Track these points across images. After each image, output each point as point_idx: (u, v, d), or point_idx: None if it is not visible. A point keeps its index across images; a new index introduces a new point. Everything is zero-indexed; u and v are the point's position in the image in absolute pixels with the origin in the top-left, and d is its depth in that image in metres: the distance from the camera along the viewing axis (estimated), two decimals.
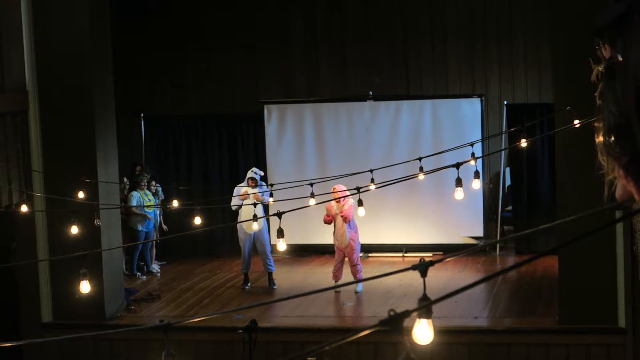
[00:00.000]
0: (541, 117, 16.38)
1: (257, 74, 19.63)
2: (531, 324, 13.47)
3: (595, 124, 2.03)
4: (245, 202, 15.18)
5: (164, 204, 17.47)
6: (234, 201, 15.78)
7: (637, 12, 1.88)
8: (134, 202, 16.93)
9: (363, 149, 18.34)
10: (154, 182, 17.85)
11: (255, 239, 16.02)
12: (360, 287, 15.49)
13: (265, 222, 15.91)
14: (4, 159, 13.40)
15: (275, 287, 16.08)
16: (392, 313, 2.34)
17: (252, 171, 16.09)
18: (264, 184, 16.27)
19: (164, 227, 17.93)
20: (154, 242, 17.76)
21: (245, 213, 15.53)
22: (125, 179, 17.22)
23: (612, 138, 1.91)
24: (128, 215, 17.01)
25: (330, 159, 18.58)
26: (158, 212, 17.69)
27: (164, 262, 18.24)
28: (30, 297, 14.40)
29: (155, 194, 17.84)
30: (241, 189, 15.86)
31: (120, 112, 15.61)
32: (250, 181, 15.87)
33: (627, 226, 11.58)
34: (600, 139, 2.00)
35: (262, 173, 16.31)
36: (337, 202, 14.99)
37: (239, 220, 15.83)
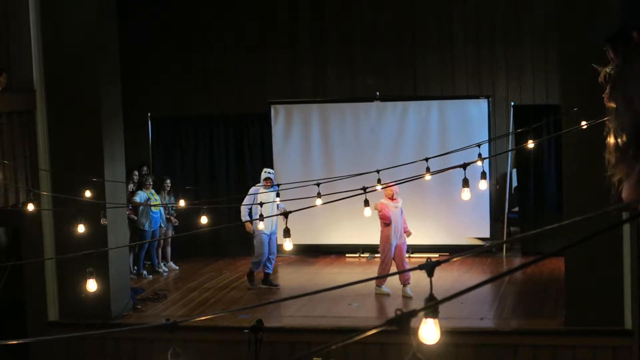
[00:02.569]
0: (548, 119, 16.36)
1: (264, 74, 19.63)
2: (537, 326, 13.45)
3: (608, 124, 2.04)
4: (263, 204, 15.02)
5: (173, 203, 17.50)
6: (245, 210, 15.70)
7: (634, 29, 1.91)
8: (138, 201, 16.93)
9: (369, 150, 18.34)
10: (168, 181, 17.85)
11: (271, 239, 15.99)
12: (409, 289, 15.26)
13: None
14: (11, 157, 13.42)
15: (278, 286, 16.05)
16: (399, 312, 2.34)
17: (266, 172, 16.02)
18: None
19: (173, 220, 17.91)
20: (162, 241, 17.78)
21: (266, 212, 15.37)
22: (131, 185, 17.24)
23: (625, 138, 1.92)
24: (136, 216, 17.03)
25: (336, 159, 18.58)
26: (164, 210, 17.70)
27: (171, 262, 18.25)
28: (37, 296, 14.43)
29: (169, 193, 17.87)
30: (259, 188, 15.71)
31: (127, 111, 15.61)
32: (266, 182, 15.77)
33: (634, 228, 11.59)
34: (611, 139, 2.01)
35: (272, 171, 16.24)
36: (392, 200, 14.97)
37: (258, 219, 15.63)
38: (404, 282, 15.08)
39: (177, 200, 17.53)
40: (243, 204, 15.84)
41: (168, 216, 17.82)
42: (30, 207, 12.96)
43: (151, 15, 19.79)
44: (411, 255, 17.98)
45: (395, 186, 14.38)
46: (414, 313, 2.38)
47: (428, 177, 10.79)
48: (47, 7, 14.10)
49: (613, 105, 2.02)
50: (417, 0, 19.20)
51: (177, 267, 18.05)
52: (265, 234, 15.94)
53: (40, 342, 13.70)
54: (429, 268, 2.85)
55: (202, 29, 19.71)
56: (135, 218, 17.02)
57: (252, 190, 15.95)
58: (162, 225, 17.62)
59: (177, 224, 17.88)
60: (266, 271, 16.16)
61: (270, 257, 16.10)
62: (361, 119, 18.69)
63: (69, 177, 13.59)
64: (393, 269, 15.28)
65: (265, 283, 16.16)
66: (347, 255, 18.66)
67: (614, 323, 12.82)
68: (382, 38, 19.29)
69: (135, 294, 15.48)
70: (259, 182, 16.96)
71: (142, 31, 19.59)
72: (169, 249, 18.14)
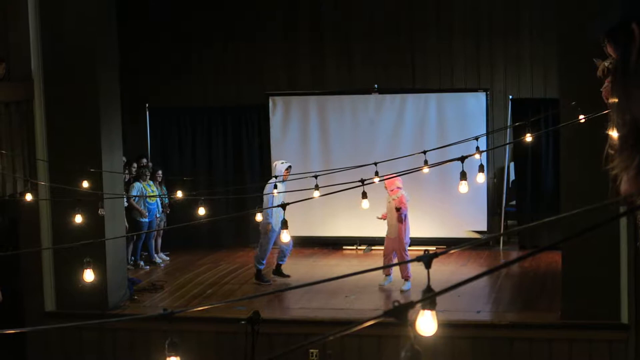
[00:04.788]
0: (546, 112, 16.37)
1: (263, 65, 19.60)
2: (534, 319, 13.48)
3: (611, 116, 2.05)
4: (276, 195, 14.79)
5: (168, 194, 17.54)
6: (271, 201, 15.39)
7: (634, 20, 1.92)
8: (134, 193, 16.93)
9: (367, 142, 18.34)
10: (159, 172, 17.88)
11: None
12: (407, 285, 15.18)
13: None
14: (8, 147, 13.42)
15: (287, 276, 15.95)
16: (396, 304, 2.35)
17: (281, 162, 15.71)
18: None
19: (166, 210, 17.98)
20: (158, 232, 17.79)
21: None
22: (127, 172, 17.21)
23: (624, 132, 1.93)
24: (131, 207, 17.00)
25: (334, 151, 18.58)
26: (158, 201, 17.71)
27: (167, 252, 18.25)
28: (34, 286, 14.43)
29: (161, 184, 17.89)
30: (279, 185, 15.31)
31: (125, 103, 15.61)
32: (286, 172, 15.41)
33: (631, 221, 11.58)
34: (612, 132, 2.02)
35: (288, 164, 15.85)
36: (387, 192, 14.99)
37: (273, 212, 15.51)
38: (387, 274, 15.34)
39: (169, 191, 17.56)
40: (266, 207, 15.46)
41: (163, 209, 17.88)
42: (28, 197, 12.95)
43: (150, 6, 19.76)
44: (408, 248, 17.99)
45: (389, 179, 14.36)
46: (411, 304, 2.38)
47: (426, 170, 10.80)
48: None
49: (615, 99, 2.02)
50: None
51: (168, 258, 18.06)
52: (274, 230, 15.71)
53: (37, 333, 13.72)
54: (427, 260, 2.85)
55: (201, 20, 19.68)
56: (140, 208, 17.05)
57: (267, 189, 15.46)
58: (158, 216, 17.64)
59: (168, 211, 17.96)
60: (279, 262, 16.05)
61: (286, 248, 15.97)
62: (359, 112, 18.69)
63: (66, 167, 13.59)
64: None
65: (280, 272, 16.02)
66: (344, 247, 18.66)
67: (610, 317, 12.85)
68: (380, 30, 19.26)
69: (132, 284, 15.49)
70: (256, 174, 17.02)
71: (140, 22, 19.57)
72: (159, 241, 18.14)
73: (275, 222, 15.43)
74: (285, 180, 15.27)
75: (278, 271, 16.07)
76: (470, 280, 2.51)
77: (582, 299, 12.93)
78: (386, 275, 15.39)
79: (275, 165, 15.72)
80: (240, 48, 19.64)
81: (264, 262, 15.95)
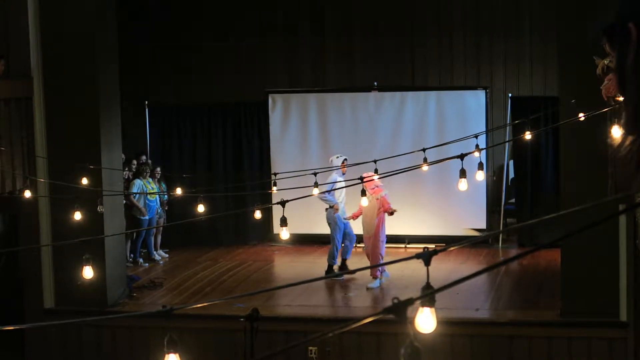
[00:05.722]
0: (546, 111, 16.37)
1: (263, 63, 19.60)
2: (533, 317, 13.48)
3: (621, 113, 2.08)
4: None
5: (168, 191, 17.52)
6: (331, 196, 15.40)
7: (628, 19, 1.94)
8: (135, 190, 16.93)
9: (367, 140, 18.33)
10: (158, 169, 17.88)
11: (346, 224, 15.96)
12: (376, 283, 15.33)
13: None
14: (8, 144, 13.42)
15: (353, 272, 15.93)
16: (395, 301, 2.35)
17: (337, 157, 15.82)
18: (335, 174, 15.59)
19: (164, 207, 18.00)
20: (157, 229, 17.78)
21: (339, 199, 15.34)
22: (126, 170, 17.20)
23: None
24: (131, 205, 17.00)
25: (334, 149, 18.54)
26: (158, 198, 17.71)
27: (167, 250, 18.25)
28: (33, 283, 14.43)
29: (159, 181, 17.88)
30: (337, 177, 15.36)
31: (125, 100, 15.60)
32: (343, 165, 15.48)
33: (630, 219, 11.60)
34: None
35: (343, 157, 15.94)
36: (367, 191, 15.00)
37: (338, 208, 15.59)
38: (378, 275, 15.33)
39: (168, 188, 17.56)
40: (324, 190, 15.44)
41: (162, 206, 17.89)
42: (27, 194, 12.95)
43: (150, 3, 19.75)
44: (407, 246, 18.01)
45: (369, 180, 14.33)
46: (410, 301, 2.39)
47: (425, 167, 10.81)
48: None
49: (620, 97, 2.06)
50: None
51: (167, 255, 18.06)
52: (342, 220, 15.85)
53: (36, 330, 13.71)
54: (426, 257, 2.86)
55: (201, 17, 19.68)
56: (140, 206, 17.05)
57: (332, 178, 15.41)
58: (158, 213, 17.63)
59: (166, 208, 17.97)
60: (345, 257, 16.00)
61: (349, 243, 16.03)
62: (359, 109, 18.68)
63: (66, 164, 13.58)
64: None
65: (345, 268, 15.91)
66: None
67: (609, 315, 12.85)
68: (381, 28, 19.27)
69: (132, 281, 15.49)
70: (256, 170, 17.01)
71: (140, 19, 19.56)
72: (159, 238, 18.15)
73: (340, 211, 15.67)
74: (344, 173, 15.28)
75: (344, 266, 15.96)
76: (470, 278, 2.52)
77: (581, 296, 12.93)
78: (380, 274, 15.29)
79: (332, 160, 15.75)
80: (240, 46, 19.64)
81: (337, 257, 15.91)
